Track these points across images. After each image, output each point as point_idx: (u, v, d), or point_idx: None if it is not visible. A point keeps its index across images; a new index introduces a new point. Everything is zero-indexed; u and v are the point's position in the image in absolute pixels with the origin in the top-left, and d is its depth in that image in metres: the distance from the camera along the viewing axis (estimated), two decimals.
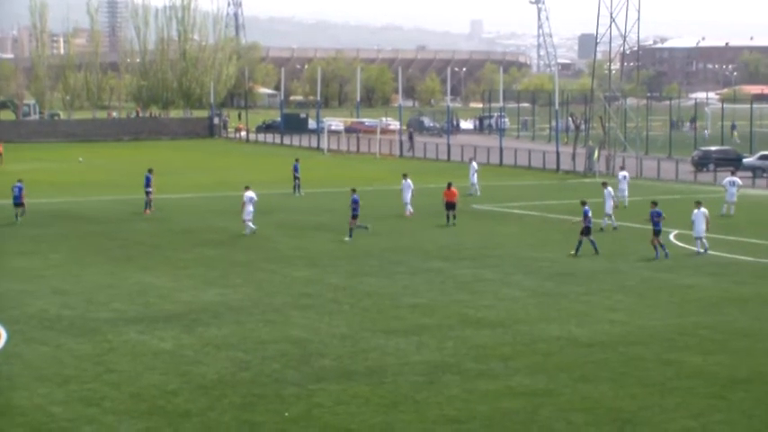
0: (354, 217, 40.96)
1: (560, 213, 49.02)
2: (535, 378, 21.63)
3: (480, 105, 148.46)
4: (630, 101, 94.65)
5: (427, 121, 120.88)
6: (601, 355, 23.52)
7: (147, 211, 48.40)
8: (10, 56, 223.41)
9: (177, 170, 70.80)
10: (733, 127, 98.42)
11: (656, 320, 27.00)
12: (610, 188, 43.95)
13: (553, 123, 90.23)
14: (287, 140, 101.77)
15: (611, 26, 79.44)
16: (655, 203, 37.98)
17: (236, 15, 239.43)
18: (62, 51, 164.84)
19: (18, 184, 45.83)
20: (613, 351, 23.82)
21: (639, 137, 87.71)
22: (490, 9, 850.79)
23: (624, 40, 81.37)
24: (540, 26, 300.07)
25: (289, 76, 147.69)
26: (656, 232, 36.74)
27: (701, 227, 37.19)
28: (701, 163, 71.90)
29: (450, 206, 44.76)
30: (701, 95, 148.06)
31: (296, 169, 57.56)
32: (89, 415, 19.34)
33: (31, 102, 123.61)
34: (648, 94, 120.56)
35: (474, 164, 58.96)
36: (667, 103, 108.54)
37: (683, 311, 28.13)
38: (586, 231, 37.37)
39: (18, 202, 45.60)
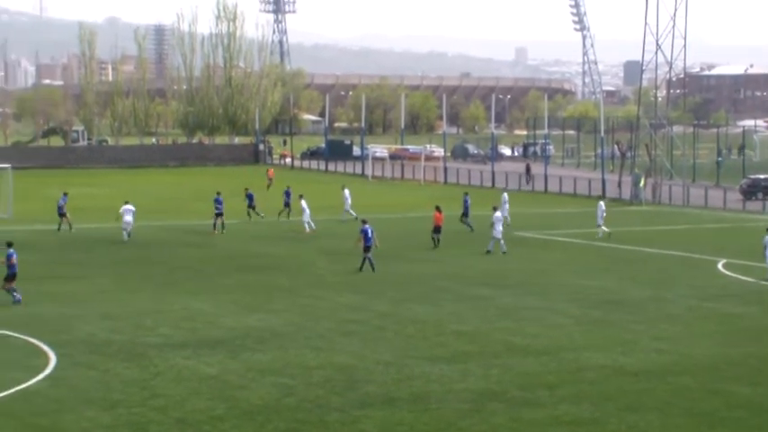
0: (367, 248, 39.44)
1: (606, 242, 48.78)
2: (581, 407, 21.48)
3: (524, 132, 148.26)
4: (677, 128, 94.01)
5: (471, 148, 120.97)
6: (647, 384, 23.32)
7: (214, 232, 51.15)
8: (59, 83, 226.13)
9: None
10: None
11: (703, 350, 26.73)
12: (498, 213, 44.69)
13: (598, 151, 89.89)
14: (331, 167, 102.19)
15: (657, 53, 79.04)
16: None
17: (280, 42, 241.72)
18: (110, 78, 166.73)
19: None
20: (660, 380, 23.61)
21: (686, 164, 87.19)
22: (535, 36, 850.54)
23: (670, 68, 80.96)
24: (585, 53, 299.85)
25: (333, 102, 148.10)
26: None
27: None
28: (750, 191, 71.26)
29: (437, 230, 45.84)
30: (749, 123, 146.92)
31: (287, 194, 57.87)
32: None
33: (80, 128, 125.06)
34: (695, 122, 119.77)
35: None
36: (714, 130, 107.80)
37: (730, 341, 27.84)
38: (367, 249, 38.95)
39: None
